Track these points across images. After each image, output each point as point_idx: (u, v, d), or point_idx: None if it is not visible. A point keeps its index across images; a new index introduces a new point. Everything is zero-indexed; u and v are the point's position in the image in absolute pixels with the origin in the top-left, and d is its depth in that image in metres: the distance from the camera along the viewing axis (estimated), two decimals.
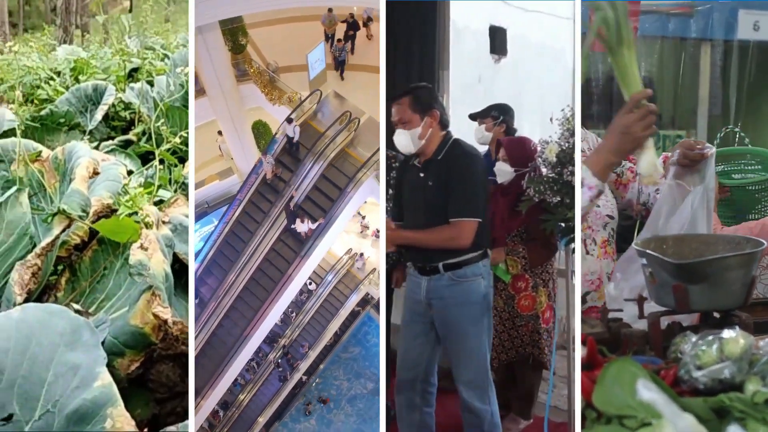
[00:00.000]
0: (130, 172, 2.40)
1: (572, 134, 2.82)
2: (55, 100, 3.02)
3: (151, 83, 3.04)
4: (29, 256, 1.88)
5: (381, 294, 5.53)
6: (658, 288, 1.81)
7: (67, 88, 3.28)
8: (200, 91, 5.59)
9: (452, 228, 2.59)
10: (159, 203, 2.17)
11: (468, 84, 6.06)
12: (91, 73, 3.53)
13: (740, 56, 5.59)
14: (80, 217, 1.96)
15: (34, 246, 1.94)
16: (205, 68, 5.45)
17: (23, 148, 2.22)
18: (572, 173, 2.75)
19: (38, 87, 3.29)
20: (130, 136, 2.79)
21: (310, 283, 6.80)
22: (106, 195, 2.04)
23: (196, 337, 5.58)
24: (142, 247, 1.82)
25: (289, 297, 5.89)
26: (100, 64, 3.61)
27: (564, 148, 2.85)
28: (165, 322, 1.78)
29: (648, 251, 1.82)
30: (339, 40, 5.89)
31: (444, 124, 2.70)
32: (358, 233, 7.23)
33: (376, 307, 7.40)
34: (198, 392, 5.73)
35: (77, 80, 3.47)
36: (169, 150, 2.38)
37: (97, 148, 2.66)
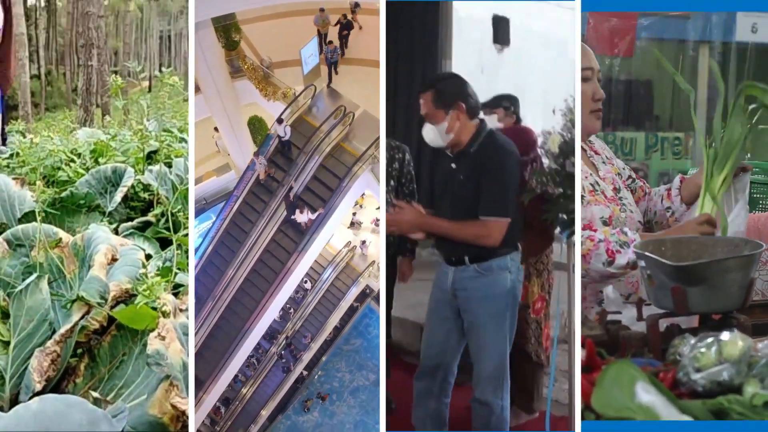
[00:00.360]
0: (148, 256, 2.41)
1: (574, 125, 2.81)
2: (76, 182, 3.06)
3: (169, 165, 3.05)
4: (48, 343, 1.90)
5: (381, 285, 5.55)
6: (656, 290, 1.82)
7: (87, 169, 3.31)
8: (196, 88, 5.57)
9: (482, 226, 2.57)
10: (177, 286, 2.18)
11: (471, 73, 6.03)
12: (111, 156, 3.56)
13: (738, 58, 5.60)
14: (99, 303, 1.99)
15: (54, 332, 1.96)
16: (199, 66, 5.43)
17: (43, 234, 2.26)
18: (575, 164, 2.74)
19: (59, 169, 3.32)
20: (149, 217, 2.80)
21: (306, 282, 6.81)
22: (125, 280, 2.06)
23: (196, 333, 5.60)
24: (159, 336, 1.82)
25: (290, 289, 5.91)
26: (119, 147, 3.63)
27: (566, 139, 2.82)
28: (183, 413, 1.77)
29: (646, 253, 1.83)
30: (330, 42, 5.84)
31: (473, 113, 2.64)
32: (349, 229, 7.25)
33: (377, 299, 7.45)
34: (201, 386, 5.75)
35: (97, 162, 3.52)
36: (186, 235, 2.40)
37: (116, 229, 2.69)
